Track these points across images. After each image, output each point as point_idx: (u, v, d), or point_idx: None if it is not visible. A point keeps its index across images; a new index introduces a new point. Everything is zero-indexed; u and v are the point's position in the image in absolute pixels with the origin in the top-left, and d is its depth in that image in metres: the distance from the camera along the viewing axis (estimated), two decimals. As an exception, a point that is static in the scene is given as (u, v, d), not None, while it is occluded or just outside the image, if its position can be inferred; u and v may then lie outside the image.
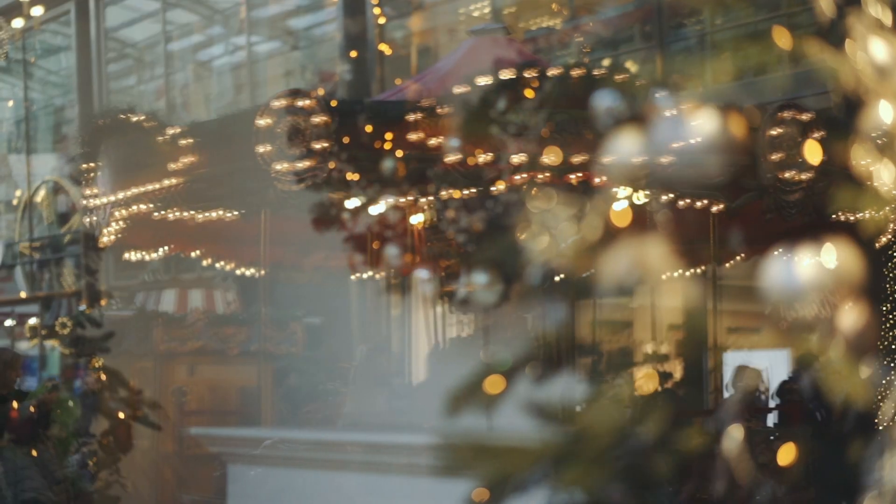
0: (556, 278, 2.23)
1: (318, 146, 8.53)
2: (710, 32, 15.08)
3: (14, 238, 25.14)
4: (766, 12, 14.53)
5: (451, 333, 11.06)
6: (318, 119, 8.56)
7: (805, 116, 9.14)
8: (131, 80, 24.00)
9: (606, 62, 14.45)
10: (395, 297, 11.37)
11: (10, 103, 26.12)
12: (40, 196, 24.59)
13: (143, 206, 10.05)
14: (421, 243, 10.65)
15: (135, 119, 10.07)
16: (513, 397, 2.53)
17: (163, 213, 10.10)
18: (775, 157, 8.92)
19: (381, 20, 17.99)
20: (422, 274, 9.95)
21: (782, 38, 2.54)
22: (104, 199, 10.52)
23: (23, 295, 24.19)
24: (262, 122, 8.74)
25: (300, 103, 8.61)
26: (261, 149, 8.72)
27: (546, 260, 2.19)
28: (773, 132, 9.01)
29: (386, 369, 10.97)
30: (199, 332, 13.50)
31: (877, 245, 10.30)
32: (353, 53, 17.57)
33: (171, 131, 9.78)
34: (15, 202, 25.44)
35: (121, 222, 10.44)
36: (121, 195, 10.24)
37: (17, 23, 21.18)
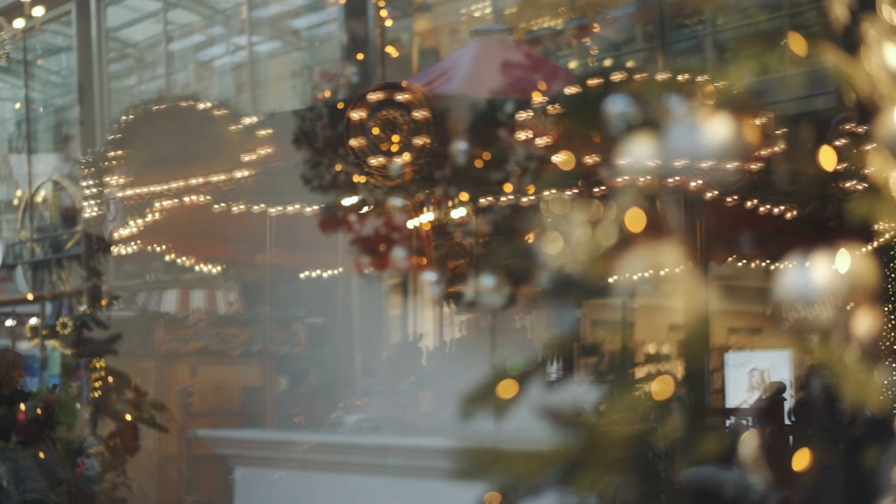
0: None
1: (418, 142, 8.28)
2: (712, 33, 15.06)
3: (15, 238, 25.12)
4: (768, 12, 14.52)
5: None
6: (419, 114, 8.30)
7: (861, 129, 9.27)
8: (132, 80, 23.98)
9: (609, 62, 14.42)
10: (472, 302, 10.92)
11: (17, 105, 26.09)
12: (42, 196, 24.58)
13: (194, 199, 9.59)
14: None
15: (201, 107, 9.41)
16: (526, 401, 2.53)
17: (223, 206, 9.66)
18: (839, 167, 9.00)
19: (388, 23, 17.93)
20: None
21: (797, 43, 2.53)
22: (141, 191, 10.02)
23: (30, 297, 24.16)
24: (356, 114, 8.42)
25: (399, 97, 8.37)
26: (354, 142, 8.43)
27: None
28: (838, 143, 9.11)
29: (412, 370, 10.83)
30: (201, 332, 13.47)
31: (877, 245, 10.32)
32: (360, 56, 17.48)
33: (247, 121, 9.28)
34: (16, 202, 25.42)
35: (151, 216, 10.06)
36: (163, 187, 9.80)
37: (19, 23, 21.14)
